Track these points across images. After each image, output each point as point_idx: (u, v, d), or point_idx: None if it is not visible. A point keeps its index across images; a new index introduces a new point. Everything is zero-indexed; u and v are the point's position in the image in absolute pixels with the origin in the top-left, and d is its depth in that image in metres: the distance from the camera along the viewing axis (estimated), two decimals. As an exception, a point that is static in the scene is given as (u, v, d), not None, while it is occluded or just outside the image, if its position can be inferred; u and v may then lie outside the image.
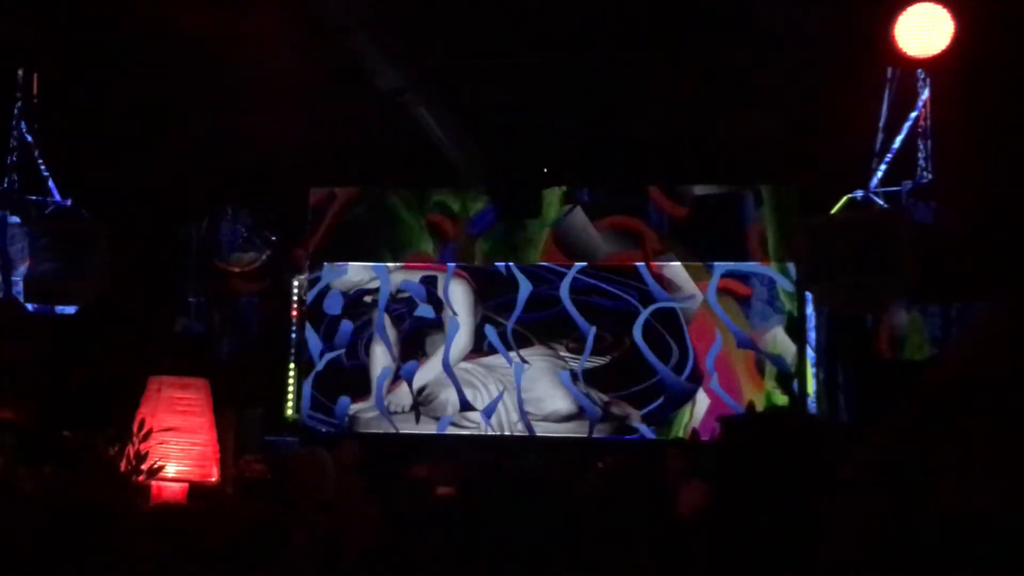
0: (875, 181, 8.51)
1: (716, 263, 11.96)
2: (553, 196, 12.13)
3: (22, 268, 9.00)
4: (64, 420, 5.72)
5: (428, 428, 12.25)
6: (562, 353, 12.14)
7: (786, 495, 2.15)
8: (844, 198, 8.73)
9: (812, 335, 11.66)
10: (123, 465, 4.20)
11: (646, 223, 12.14)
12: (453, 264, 12.45)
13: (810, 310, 11.59)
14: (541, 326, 12.23)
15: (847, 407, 11.17)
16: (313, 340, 12.59)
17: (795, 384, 11.62)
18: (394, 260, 12.55)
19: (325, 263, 12.68)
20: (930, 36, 7.18)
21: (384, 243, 12.55)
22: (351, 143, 11.06)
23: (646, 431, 11.83)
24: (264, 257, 12.20)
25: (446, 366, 12.31)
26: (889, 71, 8.08)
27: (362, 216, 12.64)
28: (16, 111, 8.99)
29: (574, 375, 12.07)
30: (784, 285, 11.78)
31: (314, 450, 5.77)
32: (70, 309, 9.25)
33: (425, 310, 12.47)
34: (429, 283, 12.48)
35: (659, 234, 12.09)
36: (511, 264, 12.34)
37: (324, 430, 12.21)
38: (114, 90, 9.39)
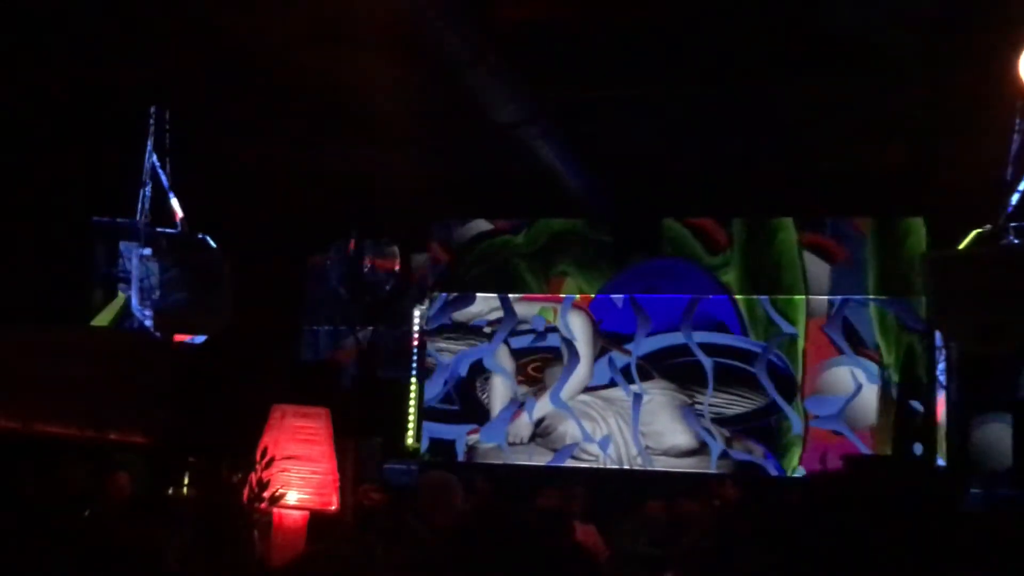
0: (1006, 215, 8.29)
1: (838, 296, 11.75)
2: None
3: (154, 299, 9.26)
4: (191, 446, 5.86)
5: (546, 460, 12.22)
6: (682, 387, 12.02)
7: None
8: (973, 232, 8.52)
9: (940, 369, 11.34)
10: (246, 492, 4.28)
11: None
12: (572, 296, 12.44)
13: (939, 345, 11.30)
14: (661, 359, 12.13)
15: (978, 443, 10.85)
16: (434, 370, 12.69)
17: (922, 420, 11.32)
18: (514, 291, 12.60)
19: (446, 294, 12.79)
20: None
21: (504, 274, 12.61)
22: (473, 176, 11.15)
23: (768, 466, 11.64)
24: (387, 288, 12.35)
25: (565, 398, 12.29)
26: (1019, 102, 7.89)
27: (483, 248, 12.73)
28: (149, 146, 9.28)
29: (695, 409, 11.93)
30: (909, 321, 11.50)
31: (443, 475, 5.80)
32: (198, 338, 9.48)
33: (544, 341, 12.48)
34: (548, 315, 12.49)
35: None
36: (631, 296, 12.28)
37: (441, 460, 12.28)
38: (240, 126, 9.64)
